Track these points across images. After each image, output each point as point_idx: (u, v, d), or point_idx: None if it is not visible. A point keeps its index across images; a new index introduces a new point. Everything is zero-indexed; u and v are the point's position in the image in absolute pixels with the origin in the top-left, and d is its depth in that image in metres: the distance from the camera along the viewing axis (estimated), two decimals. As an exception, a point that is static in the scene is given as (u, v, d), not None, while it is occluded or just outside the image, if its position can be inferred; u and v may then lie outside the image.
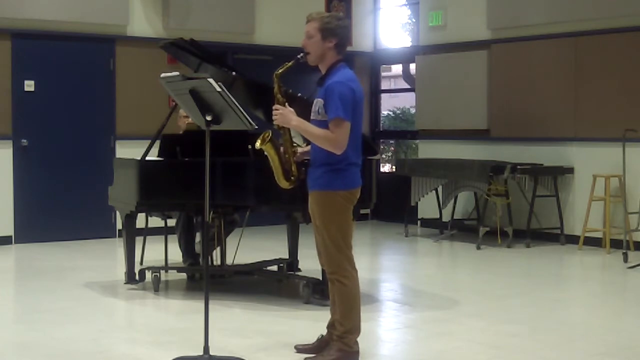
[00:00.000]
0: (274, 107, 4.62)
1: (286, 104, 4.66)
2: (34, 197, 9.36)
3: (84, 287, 6.92)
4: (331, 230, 4.58)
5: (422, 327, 5.73)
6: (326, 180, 4.56)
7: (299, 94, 5.73)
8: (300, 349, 4.89)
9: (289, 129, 4.67)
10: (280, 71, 4.65)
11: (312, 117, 4.61)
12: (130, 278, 6.80)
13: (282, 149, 4.75)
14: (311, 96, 4.93)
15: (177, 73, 4.72)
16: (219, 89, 4.55)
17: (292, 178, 4.71)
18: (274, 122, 4.63)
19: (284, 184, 4.75)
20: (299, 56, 4.62)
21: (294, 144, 4.79)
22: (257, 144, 4.71)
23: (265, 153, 4.73)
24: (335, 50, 4.62)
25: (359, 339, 4.69)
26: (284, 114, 4.59)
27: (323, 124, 4.52)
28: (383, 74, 12.88)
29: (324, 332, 4.88)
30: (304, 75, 5.21)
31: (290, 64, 4.62)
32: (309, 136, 4.55)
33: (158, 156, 6.87)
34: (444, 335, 5.46)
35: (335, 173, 4.56)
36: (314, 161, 4.63)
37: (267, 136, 4.70)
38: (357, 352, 4.67)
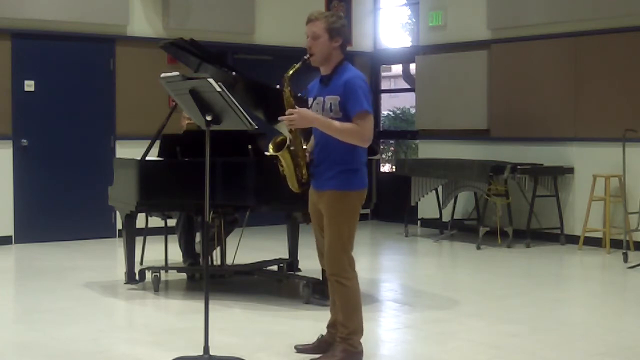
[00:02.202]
0: (288, 111, 4.50)
1: (296, 106, 4.56)
2: (34, 197, 9.36)
3: (84, 287, 6.92)
4: (341, 230, 4.55)
5: (422, 327, 5.73)
6: (342, 180, 4.53)
7: (299, 94, 5.72)
8: (300, 349, 4.88)
9: (298, 132, 4.58)
10: (290, 73, 4.55)
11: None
12: (130, 278, 6.80)
13: (293, 152, 4.61)
14: (304, 95, 4.88)
15: (177, 73, 4.72)
16: (219, 89, 4.54)
17: (303, 181, 4.62)
18: (292, 127, 4.50)
19: (297, 188, 4.65)
20: (305, 57, 4.56)
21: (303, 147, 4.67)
22: (272, 151, 4.56)
23: (281, 159, 4.59)
24: (340, 50, 4.60)
25: (360, 340, 4.69)
26: (303, 115, 4.48)
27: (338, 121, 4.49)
28: (383, 74, 12.88)
29: (324, 332, 4.88)
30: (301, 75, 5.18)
31: (298, 65, 4.54)
32: (334, 132, 4.47)
33: (158, 156, 6.87)
34: (444, 335, 5.46)
35: (352, 173, 4.55)
36: (324, 160, 4.56)
37: (284, 142, 4.55)
38: (361, 352, 4.67)
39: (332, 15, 4.64)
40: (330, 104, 4.53)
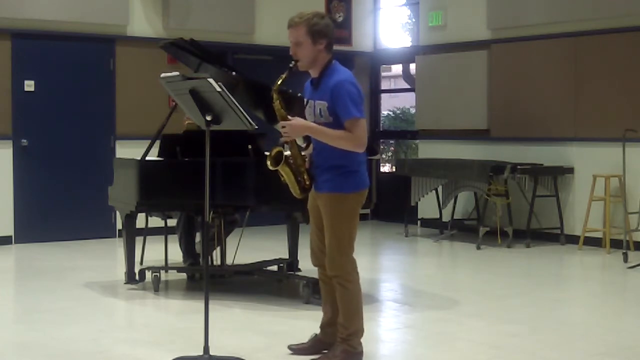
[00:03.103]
0: (280, 124, 4.48)
1: (288, 116, 4.53)
2: (34, 197, 9.36)
3: (84, 287, 6.92)
4: (340, 232, 4.53)
5: (422, 327, 5.73)
6: (338, 183, 4.50)
7: (299, 94, 5.72)
8: (294, 349, 4.86)
9: (294, 140, 4.55)
10: (277, 85, 4.51)
11: (312, 121, 4.54)
12: (130, 278, 6.80)
13: (292, 161, 4.58)
14: (301, 95, 4.86)
15: (177, 73, 4.71)
16: (219, 89, 4.54)
17: (306, 186, 4.59)
18: (286, 139, 4.48)
19: (299, 194, 4.62)
20: (290, 65, 4.50)
21: (301, 153, 4.65)
22: (271, 166, 4.52)
23: (280, 171, 4.55)
24: (326, 51, 4.53)
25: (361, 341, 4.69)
26: (295, 127, 4.46)
27: (327, 127, 4.46)
28: (383, 74, 12.88)
29: (318, 331, 4.87)
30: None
31: (284, 75, 4.48)
32: (326, 139, 4.44)
33: (158, 156, 6.87)
34: (444, 335, 5.46)
35: (348, 175, 4.51)
36: (321, 163, 4.55)
37: (280, 155, 4.51)
38: (361, 353, 4.67)
39: (313, 16, 4.51)
40: (320, 109, 4.50)
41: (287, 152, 4.56)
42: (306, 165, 4.60)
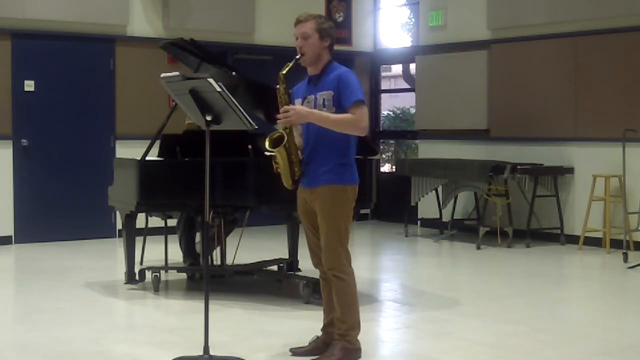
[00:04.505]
0: (283, 109, 4.54)
1: (290, 104, 4.61)
2: (34, 197, 9.36)
3: (84, 287, 6.92)
4: (338, 224, 4.57)
5: (422, 327, 5.73)
6: (337, 175, 4.56)
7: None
8: (295, 352, 4.85)
9: (291, 129, 4.61)
10: (284, 72, 4.59)
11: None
12: (130, 278, 6.80)
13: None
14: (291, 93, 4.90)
15: (177, 73, 4.72)
16: (219, 89, 4.54)
17: (296, 178, 4.65)
18: (288, 124, 4.53)
19: (291, 185, 4.67)
20: (297, 57, 4.61)
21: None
22: (268, 147, 4.57)
23: (276, 155, 4.59)
24: (328, 50, 4.67)
25: (358, 338, 4.69)
26: (299, 112, 4.53)
27: None
28: (383, 74, 12.87)
29: (320, 333, 4.87)
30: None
31: (291, 64, 4.59)
32: (330, 124, 4.51)
33: (158, 156, 6.87)
34: (444, 335, 5.46)
35: (345, 167, 4.59)
36: (316, 156, 4.59)
37: (280, 139, 4.55)
38: (360, 349, 4.68)
39: (320, 16, 4.73)
40: (324, 99, 4.57)
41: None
42: (299, 156, 4.64)
